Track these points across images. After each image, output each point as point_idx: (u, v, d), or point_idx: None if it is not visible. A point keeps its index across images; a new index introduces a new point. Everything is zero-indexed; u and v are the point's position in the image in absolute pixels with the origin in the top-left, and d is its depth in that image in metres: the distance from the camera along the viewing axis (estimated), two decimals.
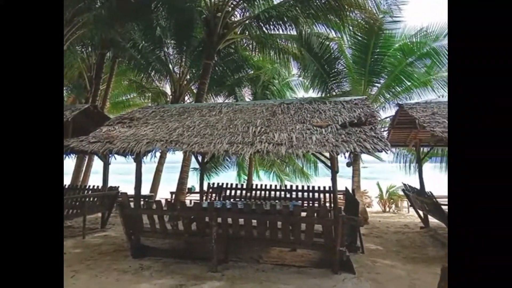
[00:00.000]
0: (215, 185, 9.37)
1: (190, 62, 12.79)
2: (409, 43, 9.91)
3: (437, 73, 10.38)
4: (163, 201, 5.72)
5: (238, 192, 9.24)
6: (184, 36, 12.00)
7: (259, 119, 5.88)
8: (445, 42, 9.39)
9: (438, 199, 6.38)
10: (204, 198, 8.67)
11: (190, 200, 10.55)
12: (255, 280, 4.38)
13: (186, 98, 14.08)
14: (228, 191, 9.21)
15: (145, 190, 11.77)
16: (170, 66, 13.16)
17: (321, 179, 12.37)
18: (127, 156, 6.44)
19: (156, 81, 14.52)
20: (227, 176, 12.90)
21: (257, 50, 12.35)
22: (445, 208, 6.05)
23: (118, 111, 15.07)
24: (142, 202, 6.45)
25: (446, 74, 10.24)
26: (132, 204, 5.67)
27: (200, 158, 8.32)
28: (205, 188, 9.03)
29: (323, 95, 10.32)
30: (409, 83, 10.30)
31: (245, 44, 12.75)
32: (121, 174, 16.42)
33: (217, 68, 13.20)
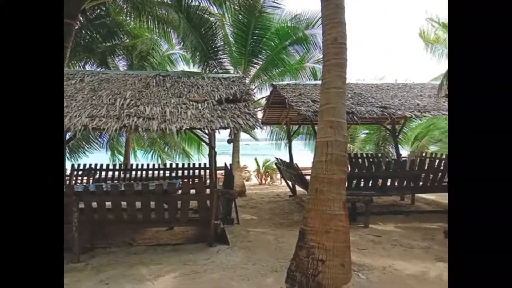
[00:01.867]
0: (83, 167, 8.25)
1: None
2: (285, 27, 10.53)
3: (307, 62, 11.50)
4: None
5: (111, 173, 8.36)
6: None
7: (130, 90, 5.31)
8: (314, 31, 10.41)
9: (302, 171, 7.24)
10: (68, 181, 7.53)
11: None
12: (125, 264, 4.09)
13: None
14: (99, 173, 8.23)
15: None
16: None
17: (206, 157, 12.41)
18: None
19: None
20: (99, 157, 11.48)
21: (132, 17, 11.09)
22: (308, 178, 6.91)
23: None
24: None
25: (313, 64, 11.45)
26: None
27: None
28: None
29: (205, 72, 10.16)
30: (283, 68, 11.07)
31: (118, 8, 11.27)
32: None
33: (83, 32, 11.31)
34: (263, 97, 11.01)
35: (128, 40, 12.34)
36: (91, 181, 8.03)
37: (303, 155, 11.47)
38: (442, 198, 7.69)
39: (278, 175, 12.49)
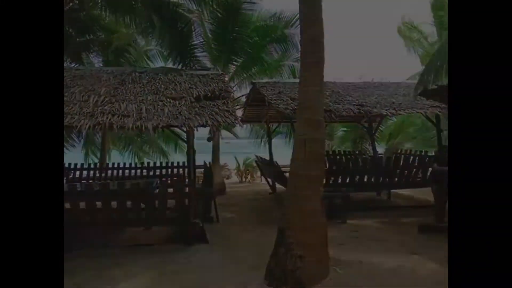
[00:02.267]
0: None
1: None
2: (265, 25, 10.46)
3: (286, 60, 11.53)
4: None
5: (86, 173, 8.09)
6: None
7: (104, 87, 5.14)
8: (293, 30, 10.44)
9: (282, 168, 7.28)
10: None
11: None
12: (101, 266, 3.97)
13: None
14: (73, 173, 7.94)
15: None
16: None
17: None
18: None
19: None
20: (74, 156, 11.07)
21: (108, 12, 10.72)
22: (287, 175, 6.96)
23: None
24: None
25: (292, 62, 11.49)
26: None
27: None
28: None
29: (183, 69, 9.97)
30: (263, 66, 11.03)
31: (92, 2, 10.88)
32: None
33: None
34: (243, 95, 10.97)
35: (103, 36, 11.93)
36: (64, 181, 7.74)
37: (284, 153, 11.54)
38: (416, 193, 7.95)
39: (259, 173, 12.52)
